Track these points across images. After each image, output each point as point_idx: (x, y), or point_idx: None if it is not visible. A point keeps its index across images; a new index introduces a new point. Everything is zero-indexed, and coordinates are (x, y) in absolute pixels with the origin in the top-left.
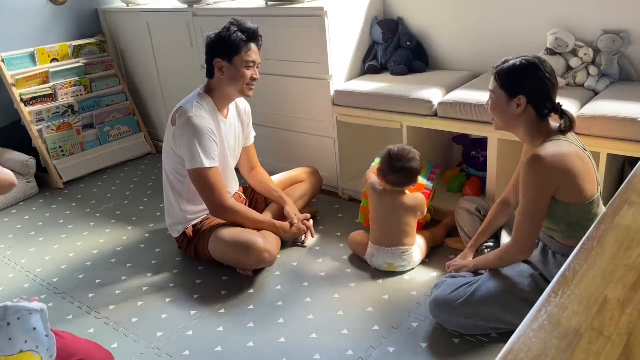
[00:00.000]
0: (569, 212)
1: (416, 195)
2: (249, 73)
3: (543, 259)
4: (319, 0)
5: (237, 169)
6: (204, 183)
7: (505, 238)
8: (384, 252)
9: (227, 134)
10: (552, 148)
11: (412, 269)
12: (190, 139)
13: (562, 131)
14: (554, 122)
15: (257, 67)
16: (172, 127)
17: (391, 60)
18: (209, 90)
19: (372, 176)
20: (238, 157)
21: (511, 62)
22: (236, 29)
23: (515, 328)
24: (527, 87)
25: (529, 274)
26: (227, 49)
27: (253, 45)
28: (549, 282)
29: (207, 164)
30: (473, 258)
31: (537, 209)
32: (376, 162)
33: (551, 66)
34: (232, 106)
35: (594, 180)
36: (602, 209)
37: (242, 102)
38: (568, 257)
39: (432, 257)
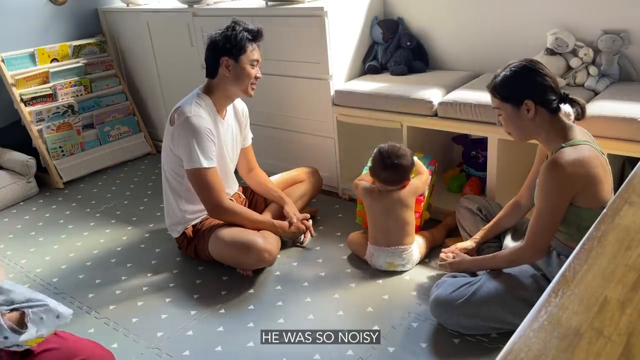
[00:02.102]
0: (582, 216)
1: (410, 184)
2: (253, 72)
3: (546, 259)
4: (319, 0)
5: (235, 171)
6: (201, 183)
7: (509, 241)
8: (384, 251)
9: (225, 135)
10: (572, 153)
11: (412, 268)
12: (188, 138)
13: (578, 119)
14: (564, 117)
15: (259, 67)
16: (170, 127)
17: (391, 60)
18: (208, 91)
19: (362, 182)
20: (236, 158)
21: (502, 74)
22: (241, 28)
23: (516, 328)
24: (528, 89)
25: (530, 274)
26: (234, 48)
27: (256, 45)
28: (548, 281)
29: (205, 164)
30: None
31: (553, 215)
32: (366, 171)
33: (539, 62)
34: (229, 107)
35: (610, 184)
36: None
37: (240, 104)
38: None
39: (432, 257)
